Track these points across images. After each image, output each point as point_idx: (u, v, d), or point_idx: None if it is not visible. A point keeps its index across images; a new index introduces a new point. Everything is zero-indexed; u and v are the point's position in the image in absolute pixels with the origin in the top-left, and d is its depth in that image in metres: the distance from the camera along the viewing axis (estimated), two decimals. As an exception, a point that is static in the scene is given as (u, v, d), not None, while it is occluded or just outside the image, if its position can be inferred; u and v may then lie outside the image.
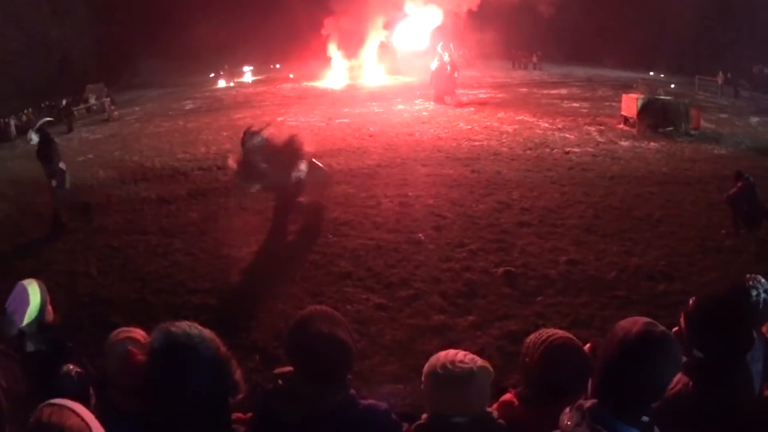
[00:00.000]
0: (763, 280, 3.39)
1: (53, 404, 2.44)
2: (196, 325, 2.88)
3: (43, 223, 15.68)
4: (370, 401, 3.39)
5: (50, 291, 11.41)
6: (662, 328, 2.61)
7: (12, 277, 11.93)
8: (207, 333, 2.87)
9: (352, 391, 3.26)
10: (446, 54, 34.39)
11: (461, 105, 32.51)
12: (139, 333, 3.94)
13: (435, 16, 46.16)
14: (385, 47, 50.34)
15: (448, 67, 33.84)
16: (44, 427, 2.31)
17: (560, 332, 3.56)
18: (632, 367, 2.51)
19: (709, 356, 3.16)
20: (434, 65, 34.71)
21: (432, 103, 33.73)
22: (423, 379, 3.31)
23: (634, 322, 2.62)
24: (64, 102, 37.52)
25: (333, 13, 49.65)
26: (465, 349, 3.47)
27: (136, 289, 11.48)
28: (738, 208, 13.43)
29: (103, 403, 3.68)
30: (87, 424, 2.41)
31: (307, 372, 3.11)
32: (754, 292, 3.30)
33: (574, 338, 3.55)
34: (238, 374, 2.94)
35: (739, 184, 13.60)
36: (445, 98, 32.61)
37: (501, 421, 3.29)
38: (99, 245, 13.95)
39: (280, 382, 3.23)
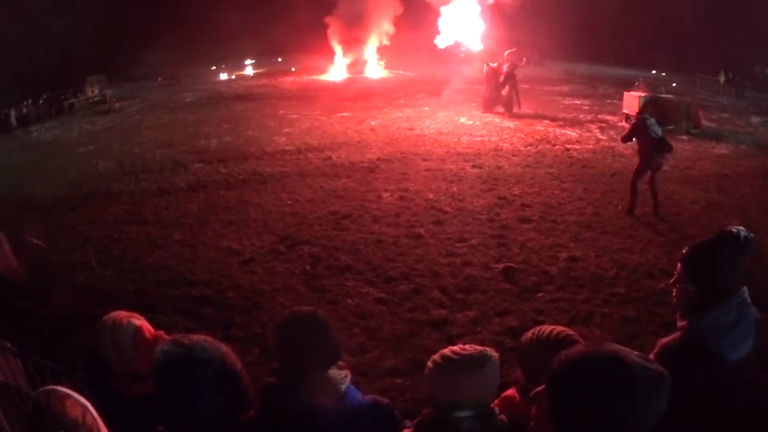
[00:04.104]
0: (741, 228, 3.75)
1: (50, 390, 2.39)
2: (211, 339, 2.85)
3: (42, 214, 15.69)
4: (373, 396, 3.39)
5: (48, 282, 11.40)
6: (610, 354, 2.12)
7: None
8: (224, 347, 2.84)
9: (353, 385, 3.24)
10: (506, 65, 30.33)
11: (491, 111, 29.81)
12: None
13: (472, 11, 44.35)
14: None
15: (502, 77, 30.08)
16: (44, 415, 2.27)
17: (559, 327, 3.55)
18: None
19: (703, 289, 3.69)
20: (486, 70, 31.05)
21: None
22: (430, 368, 3.19)
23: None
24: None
25: (336, 8, 49.66)
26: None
27: (135, 280, 11.48)
28: (642, 151, 14.31)
29: (101, 391, 3.64)
30: (86, 408, 2.38)
31: (295, 361, 3.13)
32: (743, 233, 3.67)
33: (574, 333, 3.54)
34: (251, 390, 2.92)
35: (634, 121, 14.50)
36: (497, 108, 30.60)
37: (503, 416, 3.26)
38: (98, 236, 13.96)
39: (279, 376, 3.22)
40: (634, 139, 14.50)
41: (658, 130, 14.20)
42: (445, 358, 3.15)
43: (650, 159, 14.11)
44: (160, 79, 52.46)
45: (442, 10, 44.10)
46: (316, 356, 3.19)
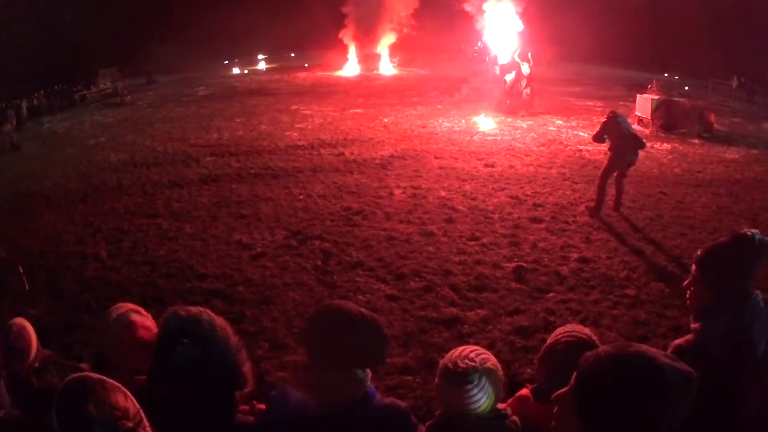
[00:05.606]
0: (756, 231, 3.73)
1: (86, 376, 2.32)
2: (208, 311, 2.85)
3: (52, 205, 15.74)
4: (391, 399, 3.35)
5: (58, 273, 11.42)
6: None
7: (21, 257, 11.99)
8: (219, 321, 2.84)
9: (373, 388, 3.21)
10: (525, 65, 30.78)
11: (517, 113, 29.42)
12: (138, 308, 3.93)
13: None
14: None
15: (523, 82, 30.42)
16: (89, 400, 2.18)
17: (579, 328, 3.53)
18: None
19: (717, 292, 3.67)
20: (510, 77, 30.82)
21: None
22: (438, 375, 3.28)
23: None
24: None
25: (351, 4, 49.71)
26: (475, 344, 3.45)
27: (145, 272, 11.47)
28: (613, 149, 14.21)
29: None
30: (125, 392, 2.33)
31: (335, 357, 3.06)
32: (757, 237, 3.63)
33: (593, 336, 3.52)
34: (247, 366, 2.90)
35: (604, 119, 14.63)
36: (517, 110, 29.68)
37: (515, 417, 3.25)
38: (108, 228, 13.97)
39: (299, 372, 3.18)
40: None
41: (630, 127, 14.39)
42: (441, 368, 3.23)
43: (622, 156, 14.07)
44: (120, 85, 42.29)
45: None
46: (343, 356, 3.13)
